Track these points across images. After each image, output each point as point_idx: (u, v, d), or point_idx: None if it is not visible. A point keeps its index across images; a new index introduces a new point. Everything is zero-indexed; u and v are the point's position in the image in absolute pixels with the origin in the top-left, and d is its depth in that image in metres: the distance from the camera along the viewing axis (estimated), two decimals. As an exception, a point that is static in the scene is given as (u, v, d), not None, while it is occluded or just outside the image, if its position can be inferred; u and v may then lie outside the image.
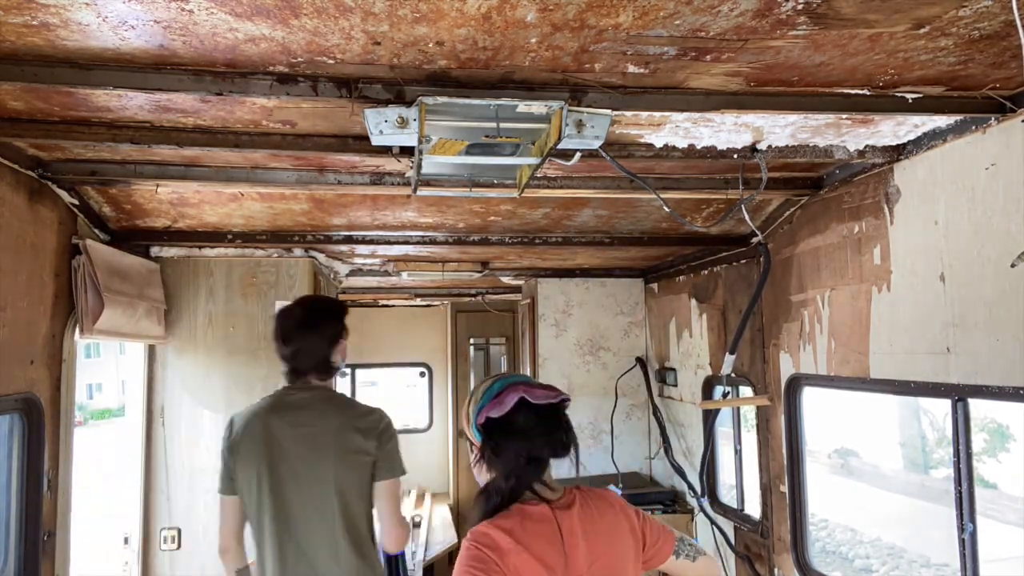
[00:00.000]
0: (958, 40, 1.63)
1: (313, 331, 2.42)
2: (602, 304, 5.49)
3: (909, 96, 1.96)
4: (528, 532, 1.47)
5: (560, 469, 1.57)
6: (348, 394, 8.18)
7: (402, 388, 18.08)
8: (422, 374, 8.30)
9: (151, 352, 3.86)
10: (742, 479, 3.95)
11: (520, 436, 1.52)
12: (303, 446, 2.32)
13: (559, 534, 1.48)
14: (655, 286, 5.31)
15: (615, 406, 5.32)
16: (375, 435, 2.37)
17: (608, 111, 1.91)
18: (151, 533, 3.76)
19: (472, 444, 1.64)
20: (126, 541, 3.80)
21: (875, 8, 1.47)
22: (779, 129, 2.26)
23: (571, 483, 1.64)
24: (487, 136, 2.00)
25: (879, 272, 2.58)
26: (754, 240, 3.55)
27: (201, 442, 3.52)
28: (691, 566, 1.71)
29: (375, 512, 2.41)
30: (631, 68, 1.76)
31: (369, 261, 4.83)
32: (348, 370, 8.04)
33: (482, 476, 1.61)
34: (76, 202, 2.80)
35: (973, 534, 2.20)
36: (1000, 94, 1.95)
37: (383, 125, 1.82)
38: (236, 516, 2.40)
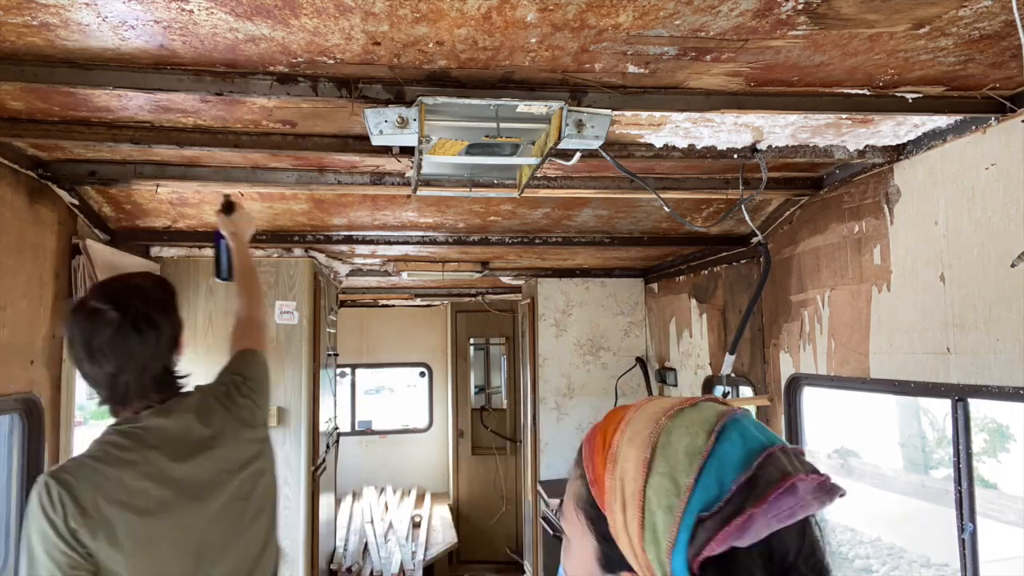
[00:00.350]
0: (958, 40, 1.63)
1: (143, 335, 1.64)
2: (602, 304, 5.49)
3: (909, 96, 1.96)
4: None
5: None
6: (350, 398, 8.26)
7: (402, 388, 18.09)
8: (422, 374, 8.31)
9: (151, 352, 3.85)
10: (742, 479, 3.95)
11: None
12: None
13: None
14: (655, 286, 5.31)
15: (615, 406, 5.31)
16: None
17: (608, 111, 1.91)
18: (151, 533, 3.76)
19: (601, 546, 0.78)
20: (126, 541, 3.80)
21: (875, 8, 1.47)
22: (779, 129, 2.26)
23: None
24: (487, 136, 2.00)
25: (879, 272, 2.58)
26: (754, 240, 3.55)
27: (201, 442, 3.51)
28: None
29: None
30: (631, 68, 1.76)
31: (369, 261, 4.83)
32: (347, 370, 8.04)
33: None
34: (76, 202, 2.80)
35: (973, 534, 2.20)
36: (1000, 94, 1.95)
37: (383, 125, 1.82)
38: None
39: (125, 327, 1.59)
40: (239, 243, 2.30)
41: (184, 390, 1.78)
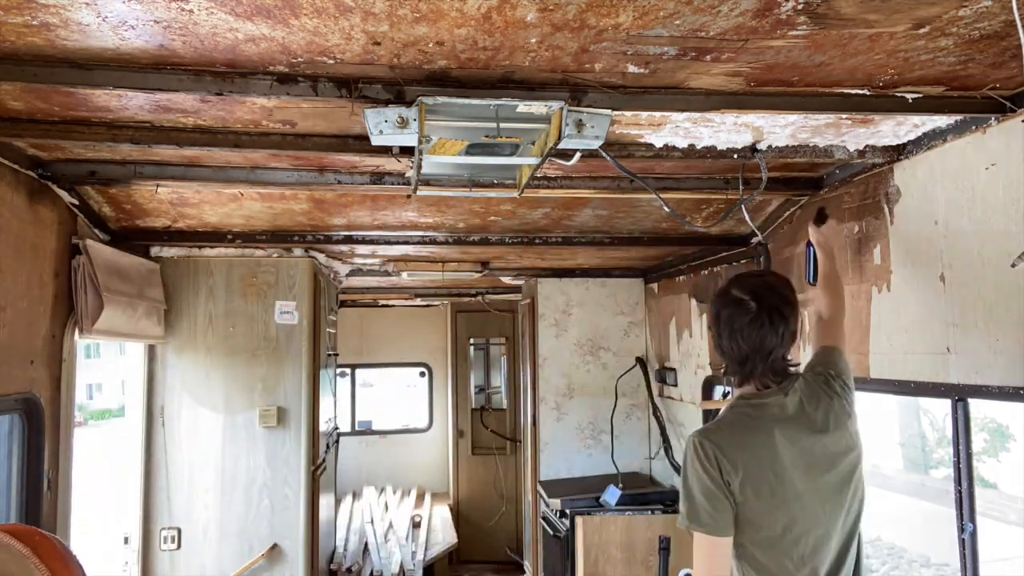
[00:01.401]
0: (958, 40, 1.63)
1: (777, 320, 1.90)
2: (602, 304, 5.49)
3: (909, 96, 1.96)
4: None
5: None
6: (348, 396, 8.27)
7: (400, 388, 18.09)
8: (422, 374, 8.31)
9: (151, 352, 3.86)
10: (742, 479, 3.94)
11: None
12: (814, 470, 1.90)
13: None
14: (655, 286, 5.31)
15: (615, 406, 5.32)
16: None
17: (608, 111, 1.90)
18: (151, 533, 3.76)
19: None
20: (126, 541, 3.81)
21: (875, 8, 1.47)
22: (779, 129, 2.26)
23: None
24: (487, 136, 2.00)
25: (879, 272, 2.58)
26: (754, 240, 3.55)
27: (201, 442, 3.52)
28: None
29: None
30: (631, 68, 1.76)
31: (369, 261, 4.83)
32: (347, 370, 8.05)
33: None
34: (76, 202, 2.80)
35: (973, 534, 2.19)
36: (1000, 94, 1.95)
37: (383, 125, 1.81)
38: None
39: (762, 317, 1.87)
40: (826, 251, 2.46)
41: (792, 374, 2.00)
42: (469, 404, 7.58)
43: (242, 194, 3.02)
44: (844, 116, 2.11)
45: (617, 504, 4.46)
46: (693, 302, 4.54)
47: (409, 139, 1.87)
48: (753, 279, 2.00)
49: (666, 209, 2.76)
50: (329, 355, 4.92)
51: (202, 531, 3.79)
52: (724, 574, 1.83)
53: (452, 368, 7.65)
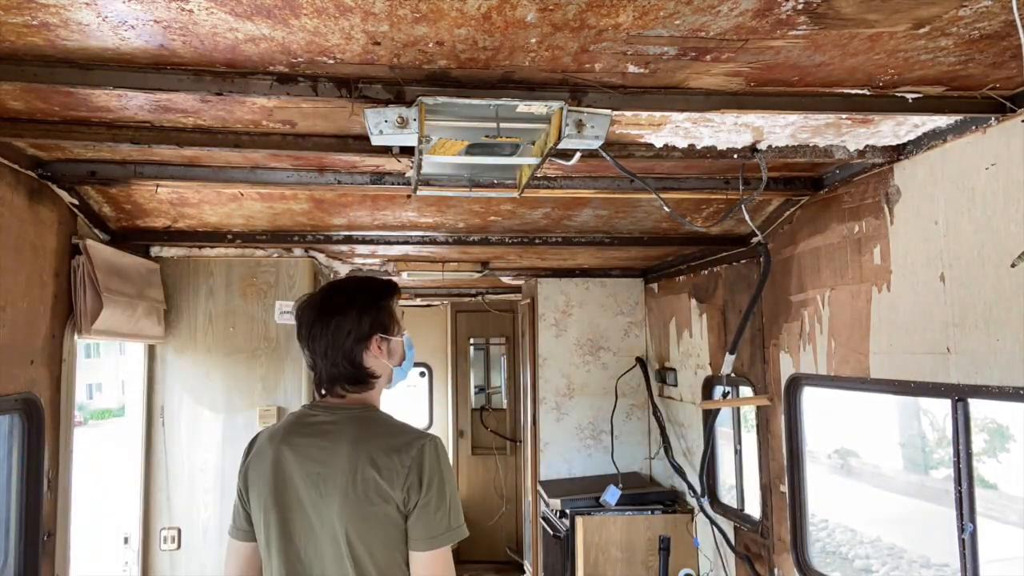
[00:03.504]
0: (958, 40, 1.63)
1: (329, 320, 1.76)
2: (602, 304, 5.49)
3: (909, 96, 1.96)
4: None
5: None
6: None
7: (401, 388, 18.04)
8: (422, 374, 8.31)
9: (151, 352, 3.86)
10: (742, 479, 3.95)
11: None
12: (312, 490, 1.70)
13: None
14: (655, 286, 5.31)
15: (615, 406, 5.32)
16: (403, 477, 1.65)
17: (608, 111, 1.91)
18: (151, 533, 3.76)
19: None
20: (126, 541, 3.81)
21: (875, 8, 1.47)
22: (779, 129, 2.26)
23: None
24: (487, 136, 2.00)
25: (879, 272, 2.58)
26: (754, 240, 3.55)
27: (201, 442, 3.52)
28: None
29: None
30: (631, 68, 1.76)
31: (369, 261, 4.83)
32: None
33: None
34: (76, 202, 2.80)
35: (973, 534, 2.19)
36: (1000, 94, 1.95)
37: (383, 125, 1.81)
38: (244, 567, 1.85)
39: (322, 309, 1.80)
40: None
41: (369, 404, 1.86)
42: (469, 404, 7.58)
43: (242, 194, 3.02)
44: (844, 116, 2.11)
45: (617, 504, 4.46)
46: (693, 302, 4.54)
47: (409, 139, 1.87)
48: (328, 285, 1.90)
49: (666, 209, 2.76)
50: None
51: (202, 531, 3.79)
52: None
53: (452, 368, 7.65)
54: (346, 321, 1.76)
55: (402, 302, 7.84)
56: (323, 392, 1.83)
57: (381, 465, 1.66)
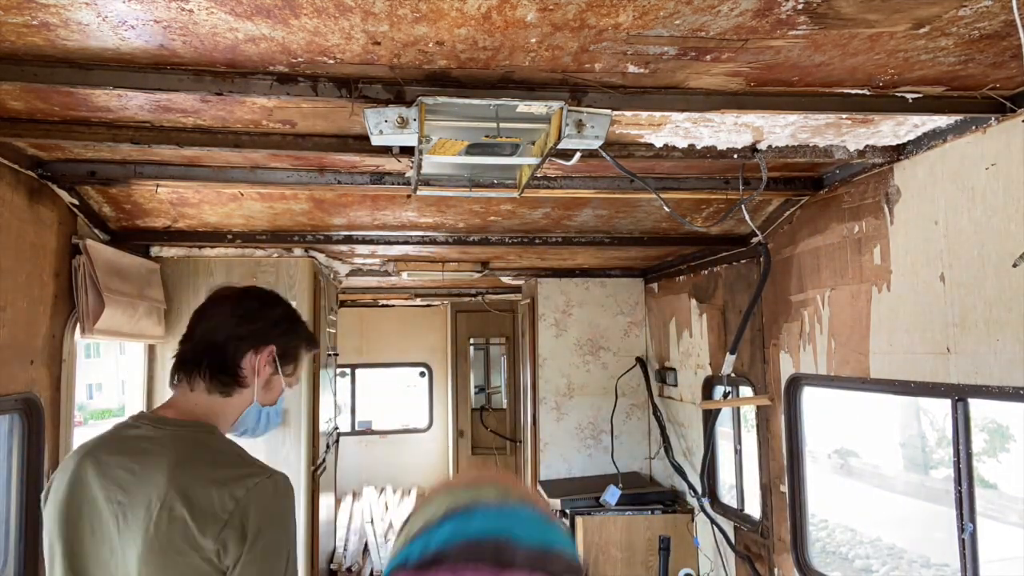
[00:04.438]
0: (958, 40, 1.63)
1: (242, 303, 1.54)
2: (602, 304, 5.49)
3: (909, 96, 1.96)
4: None
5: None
6: (350, 398, 8.23)
7: (401, 388, 18.07)
8: (422, 374, 8.31)
9: (151, 352, 3.85)
10: (742, 479, 3.95)
11: None
12: (111, 523, 1.32)
13: None
14: (655, 286, 5.31)
15: (615, 406, 5.32)
16: (220, 523, 1.26)
17: (608, 111, 1.90)
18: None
19: None
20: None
21: (875, 8, 1.47)
22: (779, 129, 2.26)
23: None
24: (487, 136, 2.00)
25: (879, 272, 2.58)
26: (754, 240, 3.55)
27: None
28: None
29: None
30: (631, 68, 1.76)
31: (369, 261, 4.83)
32: (347, 370, 8.02)
33: None
34: (76, 202, 2.80)
35: (973, 534, 2.19)
36: (1000, 94, 1.95)
37: (383, 125, 1.81)
38: None
39: (207, 304, 1.57)
40: None
41: (207, 426, 1.51)
42: (469, 404, 7.59)
43: (242, 194, 3.02)
44: (844, 116, 2.11)
45: (617, 504, 4.46)
46: (693, 302, 4.54)
47: (409, 139, 1.87)
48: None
49: (666, 209, 2.76)
50: (329, 355, 4.91)
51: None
52: None
53: (452, 368, 7.66)
54: (259, 314, 1.53)
55: (402, 302, 7.85)
56: (175, 382, 1.51)
57: (195, 501, 1.27)
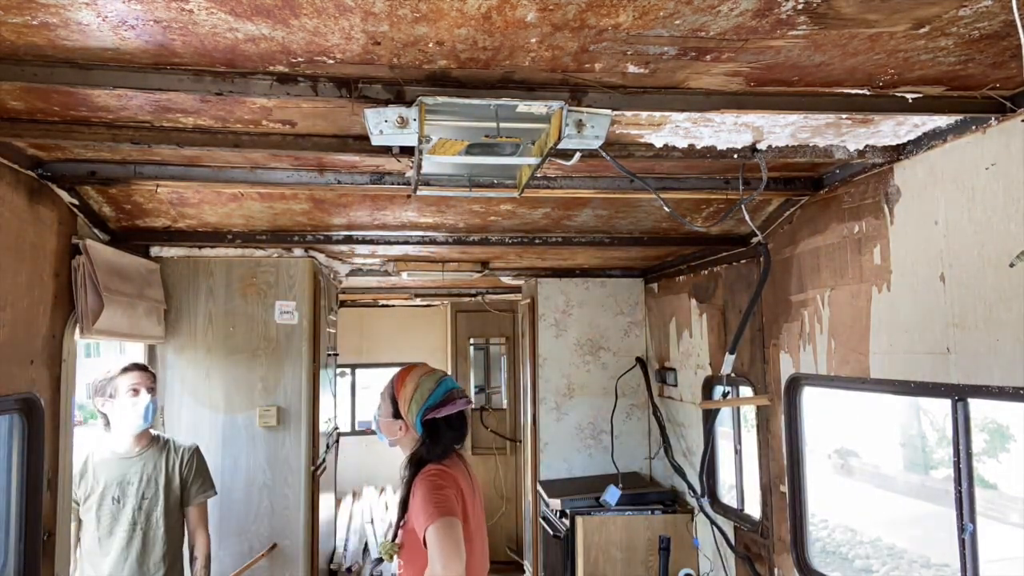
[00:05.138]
0: (958, 40, 1.63)
1: None
2: (602, 304, 5.49)
3: (909, 96, 1.96)
4: (456, 467, 2.42)
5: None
6: (349, 398, 8.24)
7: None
8: (422, 374, 8.30)
9: (151, 352, 3.86)
10: (742, 479, 3.95)
11: (455, 429, 2.45)
12: None
13: (467, 469, 2.51)
14: (655, 286, 5.31)
15: (615, 406, 5.32)
16: None
17: (608, 111, 1.90)
18: (151, 533, 3.75)
19: (402, 421, 2.44)
20: (126, 541, 3.79)
21: (875, 8, 1.47)
22: (779, 129, 2.26)
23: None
24: (487, 136, 2.00)
25: (879, 272, 2.58)
26: (754, 240, 3.55)
27: (200, 442, 3.51)
28: None
29: None
30: (631, 68, 1.76)
31: (369, 261, 4.83)
32: (347, 370, 8.02)
33: (401, 441, 2.49)
34: (76, 202, 2.80)
35: (973, 534, 2.19)
36: (1000, 94, 1.95)
37: (383, 125, 1.81)
38: None
39: None
40: None
41: None
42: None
43: (242, 194, 3.02)
44: (844, 116, 2.11)
45: (617, 504, 4.46)
46: (693, 302, 4.54)
47: (409, 139, 1.87)
48: None
49: (666, 209, 2.75)
50: (329, 355, 4.92)
51: (202, 531, 3.78)
52: None
53: (452, 368, 7.65)
54: None
55: (402, 302, 7.86)
56: None
57: None
